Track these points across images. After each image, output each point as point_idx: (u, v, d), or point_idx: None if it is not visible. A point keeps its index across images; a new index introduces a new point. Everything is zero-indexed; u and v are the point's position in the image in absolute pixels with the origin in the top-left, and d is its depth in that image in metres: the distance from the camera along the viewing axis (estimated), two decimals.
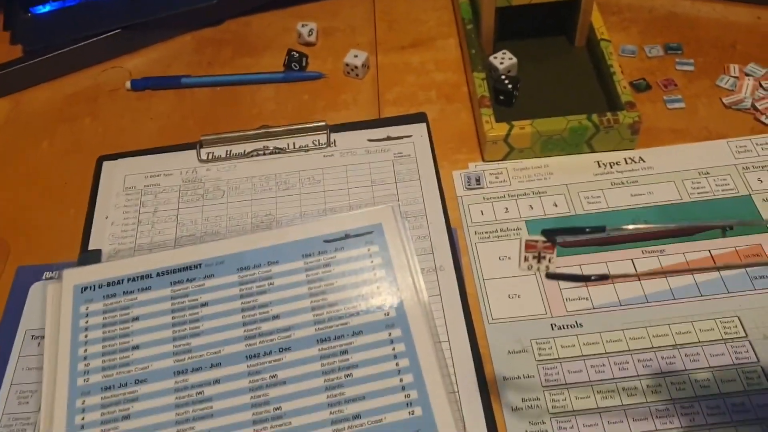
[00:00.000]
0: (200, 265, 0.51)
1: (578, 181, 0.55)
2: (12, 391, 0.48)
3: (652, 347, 0.46)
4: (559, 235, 0.34)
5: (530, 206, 0.54)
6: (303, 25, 0.67)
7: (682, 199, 0.54)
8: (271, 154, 0.59)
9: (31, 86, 0.67)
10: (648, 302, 0.48)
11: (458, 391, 0.45)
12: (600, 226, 0.32)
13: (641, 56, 0.65)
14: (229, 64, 0.67)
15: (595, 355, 0.46)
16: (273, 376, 0.46)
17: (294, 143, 0.59)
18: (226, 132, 0.59)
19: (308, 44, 0.68)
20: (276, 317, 0.48)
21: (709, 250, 0.51)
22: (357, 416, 0.44)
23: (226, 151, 0.59)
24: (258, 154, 0.59)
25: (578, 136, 0.55)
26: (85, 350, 0.48)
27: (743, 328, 0.47)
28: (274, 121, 0.61)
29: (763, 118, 0.58)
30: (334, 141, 0.59)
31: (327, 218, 0.53)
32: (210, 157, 0.59)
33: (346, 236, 0.52)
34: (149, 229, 0.55)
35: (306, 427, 0.44)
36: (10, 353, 0.49)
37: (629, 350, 0.46)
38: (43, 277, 0.53)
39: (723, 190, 0.54)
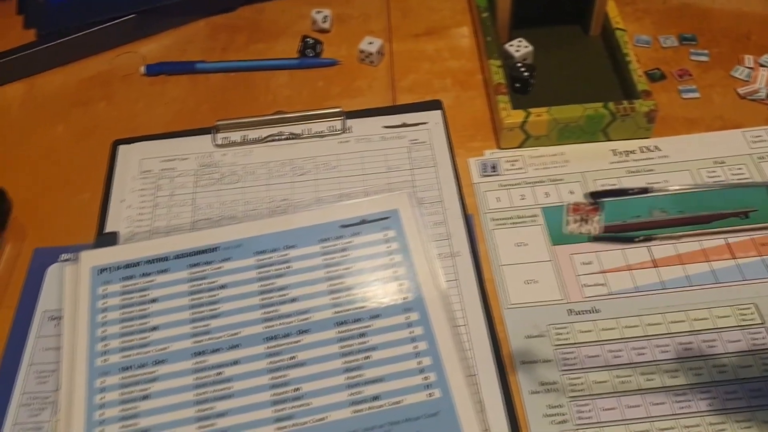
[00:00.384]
0: (218, 248, 0.51)
1: (594, 168, 0.55)
2: (31, 371, 0.48)
3: (669, 333, 0.47)
4: (605, 197, 0.34)
5: (546, 193, 0.54)
6: (317, 12, 0.67)
7: (696, 186, 0.54)
8: (286, 139, 0.59)
9: (45, 70, 0.67)
10: (665, 289, 0.49)
11: (477, 374, 0.45)
12: (644, 188, 0.32)
13: (655, 46, 0.65)
14: (243, 50, 0.67)
15: (612, 340, 0.47)
16: (292, 358, 0.46)
17: (309, 129, 0.59)
18: (241, 117, 0.60)
19: (322, 31, 0.68)
20: (294, 300, 0.48)
21: (725, 238, 0.51)
22: (376, 397, 0.44)
23: (242, 136, 0.59)
24: (273, 140, 0.59)
25: (594, 124, 0.55)
26: (104, 331, 0.48)
27: (760, 315, 0.47)
28: (288, 107, 0.61)
29: None
30: (350, 127, 0.59)
31: (343, 204, 0.54)
32: (225, 142, 0.59)
33: (363, 221, 0.52)
34: (165, 213, 0.55)
35: (325, 407, 0.44)
36: (28, 334, 0.49)
37: (646, 336, 0.47)
38: (60, 259, 0.53)
39: (738, 179, 0.54)
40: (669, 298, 0.48)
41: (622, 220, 0.52)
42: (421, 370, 0.45)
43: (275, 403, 0.44)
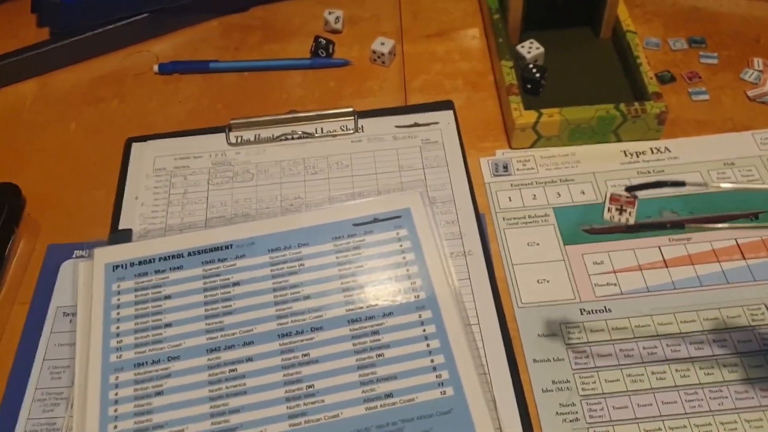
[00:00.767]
0: (231, 245, 0.51)
1: (605, 169, 0.56)
2: (44, 367, 0.48)
3: (680, 333, 0.47)
4: (641, 190, 0.35)
5: (558, 193, 0.54)
6: (330, 13, 0.68)
7: (708, 188, 0.54)
8: (299, 138, 0.59)
9: (57, 69, 0.67)
10: (675, 289, 0.49)
11: (489, 373, 0.45)
12: (680, 180, 0.35)
13: (665, 49, 0.65)
14: (256, 50, 0.68)
15: (623, 339, 0.47)
16: (305, 355, 0.46)
17: (322, 128, 0.60)
18: (254, 116, 0.60)
19: (334, 31, 0.68)
20: (307, 297, 0.49)
21: (736, 239, 0.51)
22: (389, 395, 0.44)
23: (255, 135, 0.60)
24: (286, 139, 0.59)
25: (606, 125, 0.56)
26: (118, 327, 0.48)
27: None
28: (301, 107, 0.62)
29: None
30: (362, 127, 0.60)
31: (356, 202, 0.54)
32: (239, 140, 0.59)
33: (375, 220, 0.52)
34: (179, 210, 0.55)
35: (339, 404, 0.44)
36: (42, 330, 0.50)
37: (657, 335, 0.47)
38: (74, 256, 0.53)
39: (749, 181, 0.55)
40: (680, 298, 0.48)
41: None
42: (434, 368, 0.45)
43: (288, 399, 0.44)
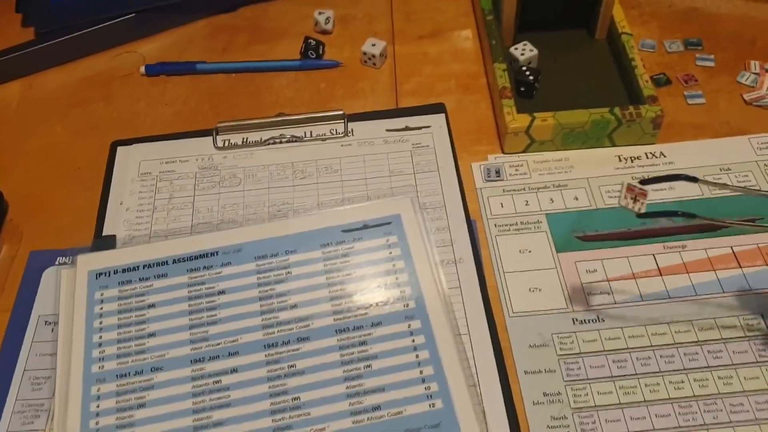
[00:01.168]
0: (217, 252, 0.50)
1: (599, 174, 0.55)
2: (25, 377, 0.47)
3: (675, 343, 0.46)
4: (655, 183, 0.41)
5: (551, 199, 0.53)
6: (320, 13, 0.67)
7: (703, 194, 0.53)
8: (288, 142, 0.58)
9: (43, 69, 0.66)
10: (670, 298, 0.48)
11: (479, 385, 0.45)
12: (693, 176, 0.44)
13: (661, 51, 0.64)
14: (244, 51, 0.66)
15: (617, 350, 0.46)
16: (291, 366, 0.45)
17: (311, 132, 0.59)
18: (242, 119, 0.59)
19: (324, 32, 0.67)
20: (294, 307, 0.48)
21: (731, 247, 0.50)
22: (377, 408, 0.43)
23: (243, 138, 0.58)
24: (275, 142, 0.58)
25: (600, 130, 0.55)
26: (100, 337, 0.47)
27: (767, 325, 0.46)
28: (291, 109, 0.61)
29: None
30: (352, 130, 0.58)
31: (345, 208, 0.53)
32: (226, 144, 0.58)
33: (365, 226, 0.51)
34: (165, 216, 0.54)
35: (325, 417, 0.43)
36: (23, 339, 0.49)
37: (651, 346, 0.46)
38: (57, 263, 0.52)
39: (745, 186, 0.53)
40: (674, 308, 0.47)
41: (627, 227, 0.51)
42: (423, 380, 0.44)
43: (274, 412, 0.43)
